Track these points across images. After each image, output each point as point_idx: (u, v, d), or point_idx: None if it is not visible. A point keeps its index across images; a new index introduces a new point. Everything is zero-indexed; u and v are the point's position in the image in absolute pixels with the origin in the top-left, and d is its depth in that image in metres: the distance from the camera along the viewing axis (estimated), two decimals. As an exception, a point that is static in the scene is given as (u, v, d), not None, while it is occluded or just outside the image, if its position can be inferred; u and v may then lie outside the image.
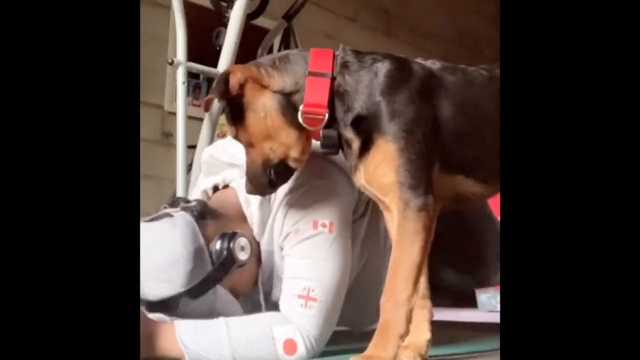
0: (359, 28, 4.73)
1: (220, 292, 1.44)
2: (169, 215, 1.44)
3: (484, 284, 2.56)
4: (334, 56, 1.33)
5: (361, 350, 1.24)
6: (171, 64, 2.43)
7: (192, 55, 2.46)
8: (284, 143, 1.33)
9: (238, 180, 1.55)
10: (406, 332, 1.23)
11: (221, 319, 1.39)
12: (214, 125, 2.45)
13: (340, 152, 1.37)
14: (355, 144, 1.30)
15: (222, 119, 2.29)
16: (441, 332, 1.48)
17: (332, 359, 1.43)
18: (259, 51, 3.02)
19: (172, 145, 2.77)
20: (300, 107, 1.30)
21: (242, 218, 1.53)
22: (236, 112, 1.34)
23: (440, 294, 2.25)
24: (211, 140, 2.37)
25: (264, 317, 1.43)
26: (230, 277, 1.45)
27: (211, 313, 1.42)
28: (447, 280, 2.49)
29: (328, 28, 4.43)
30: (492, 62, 1.43)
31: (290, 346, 1.39)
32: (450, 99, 1.32)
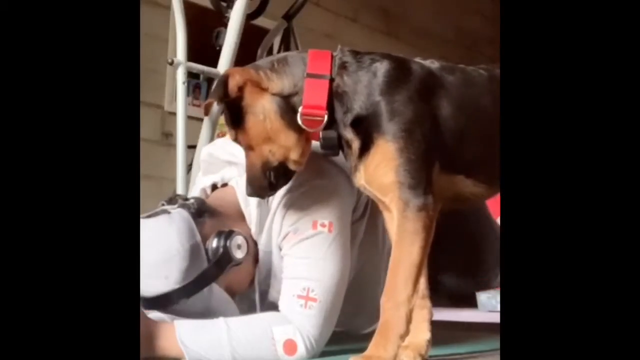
0: (359, 28, 4.74)
1: (216, 291, 1.44)
2: (166, 212, 1.44)
3: (484, 288, 2.57)
4: (332, 57, 1.33)
5: (361, 350, 1.24)
6: (171, 64, 2.43)
7: (192, 55, 2.46)
8: (284, 145, 1.33)
9: (237, 179, 1.55)
10: (406, 332, 1.23)
11: (221, 319, 1.39)
12: (214, 125, 2.45)
13: (340, 153, 1.37)
14: (355, 144, 1.30)
15: (222, 119, 2.29)
16: (441, 332, 1.48)
17: (332, 359, 1.43)
18: (259, 51, 3.02)
19: (172, 145, 2.78)
20: (300, 109, 1.30)
21: (241, 217, 1.53)
22: (235, 115, 1.34)
23: (441, 295, 2.26)
24: (211, 140, 2.37)
25: (264, 317, 1.43)
26: (227, 276, 1.45)
27: (206, 311, 1.42)
28: (448, 285, 2.49)
29: (328, 28, 4.43)
30: (491, 62, 1.43)
31: (290, 346, 1.39)
32: (449, 98, 1.32)
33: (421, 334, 1.38)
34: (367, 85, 1.29)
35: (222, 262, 1.43)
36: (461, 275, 2.54)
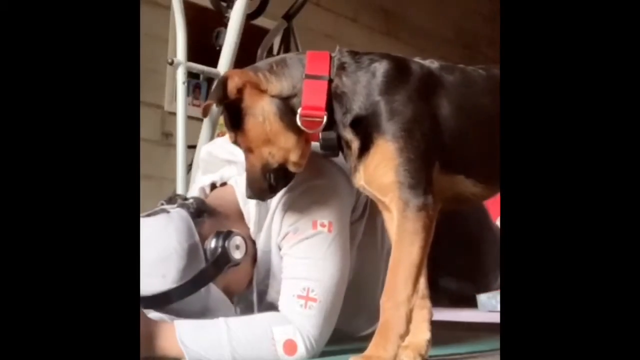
0: (359, 28, 4.74)
1: (213, 291, 1.44)
2: (165, 211, 1.44)
3: (484, 291, 2.57)
4: (331, 58, 1.33)
5: (361, 350, 1.24)
6: (171, 64, 2.43)
7: (192, 55, 2.46)
8: (283, 147, 1.33)
9: (236, 178, 1.55)
10: (406, 332, 1.23)
11: (221, 319, 1.39)
12: (214, 125, 2.45)
13: (340, 153, 1.37)
14: (355, 144, 1.29)
15: (222, 119, 2.29)
16: (441, 332, 1.48)
17: (332, 359, 1.43)
18: (259, 51, 3.02)
19: (172, 145, 2.78)
20: (299, 110, 1.30)
21: (240, 216, 1.53)
22: (235, 117, 1.34)
23: (441, 297, 2.26)
24: (211, 140, 2.37)
25: (264, 318, 1.43)
26: (225, 276, 1.45)
27: (204, 311, 1.42)
28: (448, 288, 2.50)
29: (328, 28, 4.43)
30: (491, 62, 1.43)
31: (290, 346, 1.38)
32: (449, 98, 1.32)
33: (421, 334, 1.38)
34: (366, 85, 1.29)
35: (220, 262, 1.43)
36: (461, 278, 2.55)
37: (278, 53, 3.18)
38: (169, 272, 1.37)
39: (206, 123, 2.43)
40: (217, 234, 1.44)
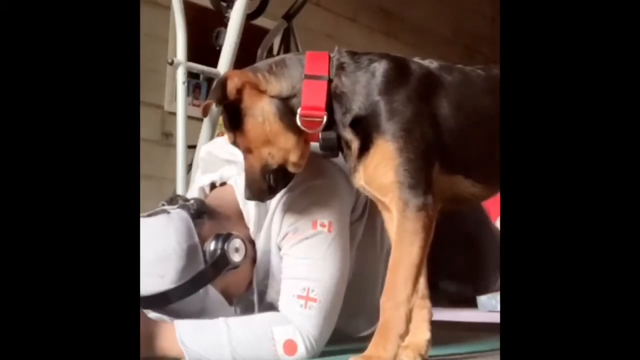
0: (359, 28, 4.74)
1: (211, 293, 1.44)
2: (165, 211, 1.44)
3: (484, 293, 2.58)
4: (330, 58, 1.33)
5: (361, 350, 1.24)
6: (171, 64, 2.43)
7: (192, 55, 2.46)
8: (283, 148, 1.33)
9: (236, 178, 1.55)
10: (406, 332, 1.23)
11: (221, 319, 1.39)
12: (213, 125, 2.45)
13: (340, 154, 1.37)
14: (355, 144, 1.29)
15: (222, 119, 2.29)
16: (441, 332, 1.48)
17: (332, 359, 1.43)
18: (259, 51, 3.02)
19: (172, 145, 2.78)
20: (298, 111, 1.30)
21: (239, 216, 1.52)
22: (234, 118, 1.33)
23: (440, 297, 2.26)
24: (211, 140, 2.37)
25: (264, 318, 1.43)
26: (223, 279, 1.45)
27: (202, 313, 1.42)
28: (448, 290, 2.50)
29: (328, 28, 4.43)
30: (491, 62, 1.43)
31: (290, 346, 1.38)
32: (448, 98, 1.31)
33: (421, 334, 1.38)
34: (365, 85, 1.29)
35: (219, 264, 1.43)
36: (460, 281, 2.55)
37: (278, 53, 3.19)
38: (168, 272, 1.37)
39: (206, 123, 2.43)
40: (217, 236, 1.44)
